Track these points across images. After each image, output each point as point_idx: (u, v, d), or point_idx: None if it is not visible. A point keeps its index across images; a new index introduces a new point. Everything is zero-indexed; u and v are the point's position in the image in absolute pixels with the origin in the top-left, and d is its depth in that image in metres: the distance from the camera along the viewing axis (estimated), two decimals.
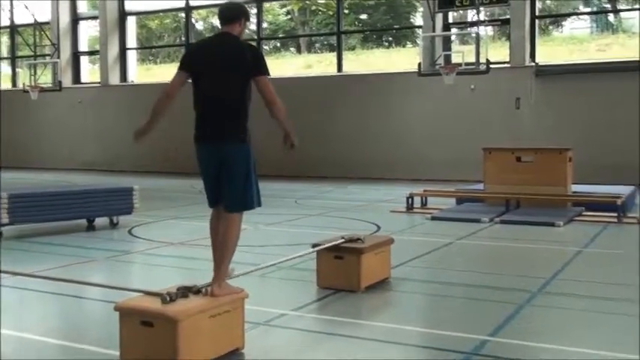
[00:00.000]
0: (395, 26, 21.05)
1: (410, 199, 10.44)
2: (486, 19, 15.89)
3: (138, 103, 20.03)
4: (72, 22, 22.63)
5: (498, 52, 16.78)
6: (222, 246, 4.18)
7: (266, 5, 20.64)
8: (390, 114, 17.28)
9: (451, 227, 8.69)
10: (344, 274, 5.23)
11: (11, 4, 22.87)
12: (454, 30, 17.42)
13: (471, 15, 16.03)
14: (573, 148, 10.48)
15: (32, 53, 21.71)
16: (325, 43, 21.79)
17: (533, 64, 15.95)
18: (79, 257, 6.80)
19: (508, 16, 16.48)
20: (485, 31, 15.99)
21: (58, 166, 21.49)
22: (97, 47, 22.17)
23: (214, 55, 4.26)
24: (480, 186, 10.91)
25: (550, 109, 15.57)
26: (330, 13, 20.56)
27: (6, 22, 23.39)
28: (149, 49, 24.53)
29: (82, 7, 23.10)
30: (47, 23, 22.10)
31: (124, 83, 21.69)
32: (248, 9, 4.59)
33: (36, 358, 3.92)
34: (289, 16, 22.30)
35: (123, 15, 21.72)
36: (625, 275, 5.86)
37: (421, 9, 18.05)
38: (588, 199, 9.91)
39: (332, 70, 18.93)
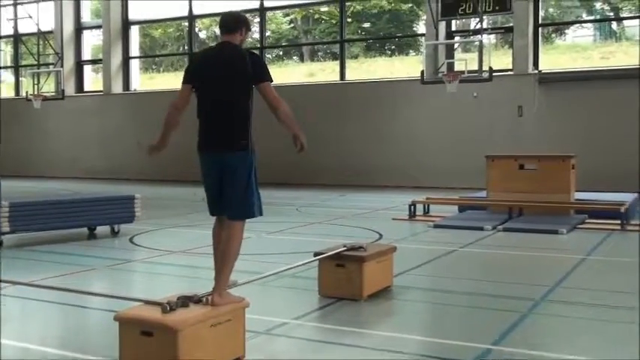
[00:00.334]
0: (398, 35, 21.06)
1: (412, 207, 10.40)
2: (489, 27, 15.90)
3: (141, 111, 20.14)
4: (75, 32, 22.72)
5: (501, 60, 16.77)
6: (224, 254, 4.16)
7: (269, 14, 20.70)
8: (392, 122, 17.26)
9: (454, 235, 8.65)
10: (346, 282, 5.19)
11: (15, 14, 22.98)
12: (457, 38, 17.42)
13: (474, 23, 16.03)
14: (576, 156, 10.44)
15: (35, 62, 21.79)
16: (328, 51, 21.80)
17: (536, 71, 15.94)
18: (79, 266, 6.78)
19: (511, 24, 16.49)
20: (489, 39, 15.99)
21: (61, 175, 21.51)
22: (100, 56, 22.23)
23: (215, 65, 4.28)
24: (483, 193, 10.87)
25: (553, 117, 15.54)
26: (333, 21, 20.59)
27: (10, 32, 23.49)
28: (152, 58, 24.59)
29: (86, 17, 23.20)
30: (51, 32, 22.19)
31: (126, 92, 21.74)
32: (249, 19, 4.60)
33: None
34: (292, 25, 22.34)
35: (126, 24, 21.80)
36: (629, 283, 5.81)
37: (424, 17, 18.07)
38: (592, 207, 9.86)
39: (335, 78, 18.94)
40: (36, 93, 20.57)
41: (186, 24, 21.61)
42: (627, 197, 10.41)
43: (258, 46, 19.57)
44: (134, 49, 22.30)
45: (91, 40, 23.57)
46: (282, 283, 5.74)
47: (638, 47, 15.86)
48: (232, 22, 4.41)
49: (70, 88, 22.02)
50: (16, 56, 24.37)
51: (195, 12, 21.03)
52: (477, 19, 15.40)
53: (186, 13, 21.05)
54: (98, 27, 22.42)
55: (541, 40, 16.63)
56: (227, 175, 4.18)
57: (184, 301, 3.76)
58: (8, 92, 24.43)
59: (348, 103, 17.83)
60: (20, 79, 24.37)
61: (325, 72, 20.50)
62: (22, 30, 23.14)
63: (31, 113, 21.26)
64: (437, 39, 16.40)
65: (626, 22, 18.44)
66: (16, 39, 23.73)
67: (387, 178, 17.03)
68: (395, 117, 17.24)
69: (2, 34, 23.81)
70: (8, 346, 4.13)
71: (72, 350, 4.10)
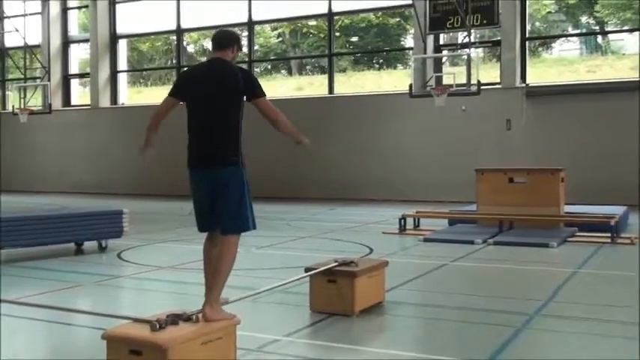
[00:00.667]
0: (386, 48, 21.15)
1: (402, 221, 10.36)
2: (477, 40, 15.99)
3: (128, 125, 20.02)
4: (62, 45, 22.63)
5: (489, 74, 16.86)
6: (217, 269, 4.13)
7: (257, 28, 20.73)
8: (381, 135, 17.28)
9: (444, 249, 8.62)
10: (337, 298, 5.13)
11: (2, 27, 22.85)
12: (445, 52, 17.50)
13: (462, 37, 16.12)
14: (566, 169, 10.47)
15: (22, 76, 21.66)
16: (316, 65, 21.84)
17: (523, 85, 16.02)
18: (66, 282, 6.67)
19: (499, 38, 16.59)
20: (477, 52, 16.08)
21: (48, 189, 21.33)
22: (88, 70, 22.13)
23: (206, 81, 4.30)
24: (473, 207, 10.86)
25: (541, 130, 15.60)
26: (321, 35, 20.64)
27: None
28: (140, 72, 24.52)
29: (73, 30, 23.12)
30: (38, 46, 22.08)
31: (114, 106, 21.64)
32: (240, 38, 4.63)
33: None
34: (280, 39, 22.37)
35: (114, 38, 21.73)
36: (621, 296, 5.80)
37: (412, 31, 18.15)
38: (582, 220, 9.87)
39: (323, 92, 18.95)
40: (22, 107, 20.42)
41: (175, 38, 21.58)
42: (617, 210, 10.44)
43: (247, 59, 19.56)
44: (122, 63, 22.23)
45: (79, 54, 23.47)
46: (272, 299, 5.67)
47: (623, 61, 16.01)
48: (225, 39, 4.46)
49: (57, 102, 21.89)
50: (2, 70, 24.21)
51: (184, 26, 21.01)
52: (465, 33, 15.49)
53: (174, 27, 21.02)
54: (86, 41, 22.34)
55: (528, 53, 16.75)
56: (219, 190, 4.18)
57: (174, 318, 3.70)
58: None
59: (337, 117, 17.84)
60: (6, 92, 24.21)
61: (314, 86, 20.52)
62: (8, 44, 23.01)
63: (17, 127, 21.10)
64: (425, 53, 16.46)
65: (611, 36, 18.63)
66: (3, 52, 23.58)
67: (376, 192, 17.02)
68: (384, 130, 17.26)
69: None
70: None
71: None
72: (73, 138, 21.67)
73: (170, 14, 20.86)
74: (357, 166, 17.44)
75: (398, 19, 20.37)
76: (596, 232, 9.36)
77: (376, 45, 21.06)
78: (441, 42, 17.48)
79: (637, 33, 15.90)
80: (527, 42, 16.60)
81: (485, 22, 15.28)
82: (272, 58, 22.44)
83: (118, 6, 21.71)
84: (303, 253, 8.50)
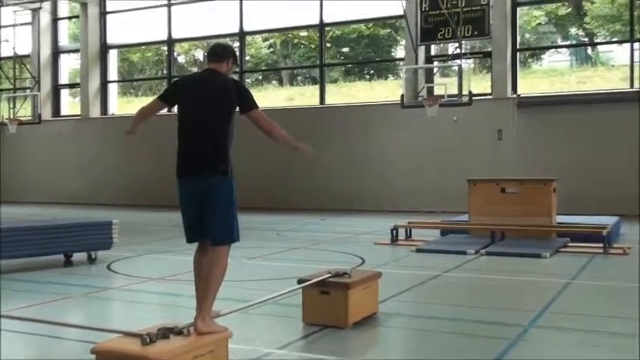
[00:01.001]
0: (377, 59, 21.19)
1: (394, 231, 10.32)
2: (468, 52, 16.03)
3: (118, 135, 19.87)
4: (53, 55, 22.55)
5: (480, 84, 16.91)
6: (207, 280, 4.11)
7: (248, 38, 20.72)
8: (373, 146, 17.27)
9: (437, 259, 8.57)
10: (330, 309, 5.06)
11: None
12: (436, 62, 17.54)
13: (453, 48, 16.17)
14: (557, 179, 10.47)
15: (12, 86, 21.52)
16: (307, 76, 21.85)
17: (515, 95, 16.07)
18: (55, 294, 6.57)
19: (489, 49, 16.65)
20: (468, 63, 16.12)
21: (38, 200, 21.16)
22: (78, 80, 22.04)
23: (198, 90, 4.32)
24: (465, 217, 10.84)
25: (532, 141, 15.64)
26: (312, 46, 20.66)
27: None
28: (130, 82, 24.45)
29: (63, 40, 23.03)
30: (27, 56, 21.98)
31: (104, 116, 21.53)
32: (236, 52, 4.66)
33: None
34: (271, 50, 22.37)
35: (104, 48, 21.67)
36: (615, 307, 5.77)
37: (402, 42, 18.21)
38: (574, 230, 9.86)
39: (314, 103, 18.94)
40: (12, 117, 20.29)
41: (165, 48, 21.55)
42: (608, 220, 10.44)
43: (238, 70, 19.52)
44: (112, 73, 22.16)
45: (69, 64, 23.40)
46: (264, 311, 5.60)
47: (613, 72, 16.10)
48: (220, 51, 4.51)
49: (46, 113, 21.76)
50: None
51: (175, 36, 20.98)
52: (456, 44, 15.54)
53: (165, 38, 20.99)
54: (76, 51, 22.27)
55: (519, 64, 16.81)
56: (208, 200, 4.18)
57: (165, 332, 3.63)
58: None
59: (328, 127, 17.82)
60: None
61: (305, 96, 20.51)
62: None
63: (6, 138, 20.94)
64: (416, 63, 16.49)
65: (600, 48, 18.75)
66: None
67: (367, 202, 16.98)
68: (375, 141, 17.25)
69: None
70: None
71: None
72: (63, 148, 21.54)
73: (161, 25, 20.84)
74: (349, 177, 17.41)
75: (389, 30, 20.43)
76: (589, 243, 9.35)
77: (367, 56, 21.10)
78: (432, 53, 17.52)
79: (626, 45, 15.99)
80: (517, 53, 16.67)
81: (476, 33, 15.33)
82: (263, 68, 22.43)
83: (108, 16, 21.67)
84: (294, 264, 8.43)
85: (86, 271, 8.08)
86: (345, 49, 21.40)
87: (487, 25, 15.26)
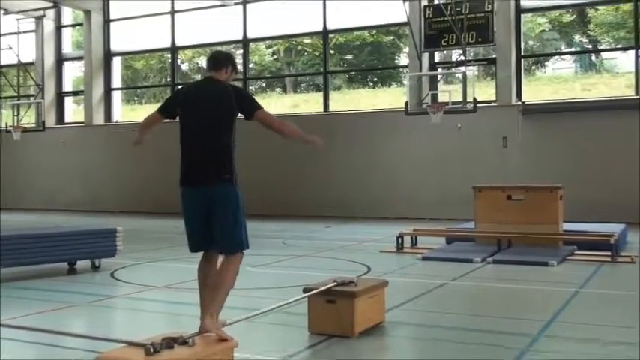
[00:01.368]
0: (381, 66, 21.17)
1: (400, 239, 10.25)
2: (472, 59, 15.99)
3: (122, 143, 19.89)
4: (56, 63, 22.56)
5: (484, 91, 16.86)
6: (217, 283, 4.12)
7: (252, 46, 20.72)
8: (377, 153, 17.21)
9: (443, 267, 8.50)
10: (337, 318, 5.00)
11: None
12: (440, 69, 17.50)
13: (457, 55, 16.13)
14: (564, 186, 10.39)
15: (16, 94, 21.55)
16: (311, 83, 21.84)
17: (519, 102, 16.01)
18: (59, 302, 6.51)
19: (494, 56, 16.61)
20: (472, 70, 16.08)
21: (41, 207, 21.14)
22: (82, 87, 22.05)
23: (199, 99, 4.31)
24: (470, 225, 10.76)
25: (537, 148, 15.57)
26: (316, 53, 20.65)
27: None
28: (134, 90, 24.46)
29: (67, 48, 23.06)
30: (32, 64, 22.00)
31: (108, 123, 21.53)
32: (236, 59, 4.64)
33: None
34: (275, 57, 22.38)
35: (108, 55, 21.69)
36: (625, 317, 5.68)
37: (406, 49, 18.18)
38: (581, 238, 9.77)
39: (318, 110, 18.91)
40: (16, 125, 20.30)
41: (169, 55, 21.56)
42: (615, 228, 10.35)
43: (241, 77, 19.52)
44: (116, 81, 22.17)
45: (73, 72, 23.41)
46: (270, 319, 5.53)
47: (618, 79, 16.04)
48: (219, 59, 4.50)
49: (50, 120, 21.78)
50: None
51: (178, 44, 20.99)
52: (460, 51, 15.49)
53: (168, 45, 20.99)
54: (80, 58, 22.29)
55: (523, 71, 16.76)
56: (215, 210, 4.16)
57: (169, 342, 3.58)
58: None
59: (332, 134, 17.76)
60: (0, 110, 24.07)
61: (309, 103, 20.49)
62: (2, 61, 22.91)
63: (10, 145, 20.95)
64: (420, 70, 16.46)
65: (604, 55, 18.70)
66: None
67: (372, 210, 16.91)
68: (379, 148, 17.19)
69: None
70: None
71: None
72: (67, 155, 21.52)
73: (164, 32, 20.85)
74: (353, 184, 17.35)
75: (392, 38, 20.42)
76: (596, 251, 9.27)
77: (370, 63, 21.08)
78: (436, 60, 17.49)
79: (631, 52, 15.94)
80: (522, 60, 16.61)
81: (480, 40, 15.29)
82: (267, 75, 22.43)
83: (112, 24, 21.69)
84: (299, 272, 8.37)
85: (90, 278, 8.03)
86: (349, 57, 21.39)
87: (491, 32, 15.21)
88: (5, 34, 22.00)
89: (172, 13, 20.71)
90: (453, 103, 14.93)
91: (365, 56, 20.96)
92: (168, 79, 22.04)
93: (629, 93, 15.50)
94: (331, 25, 18.80)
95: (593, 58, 18.96)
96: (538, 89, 17.75)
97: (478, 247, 9.81)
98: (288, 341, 5.02)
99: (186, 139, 4.30)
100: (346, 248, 10.81)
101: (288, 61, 22.35)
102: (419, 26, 15.93)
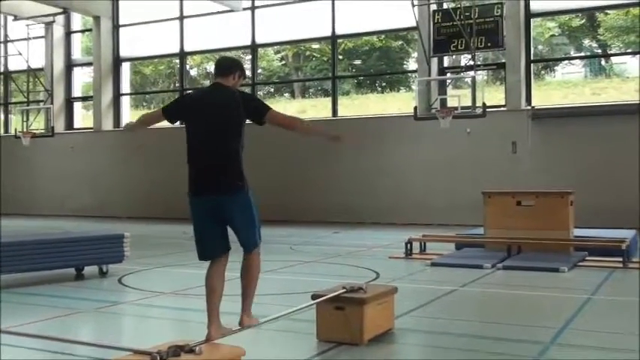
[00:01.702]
0: (389, 71, 21.12)
1: (409, 245, 10.18)
2: (481, 63, 15.92)
3: (131, 148, 19.92)
4: (66, 69, 22.64)
5: (493, 96, 16.76)
6: (249, 282, 4.35)
7: (260, 51, 20.73)
8: (386, 158, 17.14)
9: (453, 274, 8.42)
10: (345, 326, 4.94)
11: (5, 51, 22.91)
12: (449, 74, 17.43)
13: (466, 60, 16.06)
14: (574, 192, 10.29)
15: (25, 99, 21.64)
16: (319, 88, 21.81)
17: (529, 107, 15.91)
18: (66, 309, 6.49)
19: (503, 61, 16.53)
20: (481, 75, 16.00)
21: (50, 213, 21.17)
22: (91, 93, 22.11)
23: (206, 106, 4.27)
24: (480, 230, 10.67)
25: (547, 153, 15.46)
26: (324, 58, 20.63)
27: None
28: (143, 95, 24.52)
29: (76, 54, 23.14)
30: (41, 69, 22.10)
31: (117, 129, 21.57)
32: (244, 67, 4.60)
33: None
34: (283, 62, 22.37)
35: (117, 61, 21.74)
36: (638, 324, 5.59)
37: (415, 54, 18.12)
38: (592, 244, 9.67)
39: (327, 115, 18.87)
40: (25, 130, 20.38)
41: (177, 61, 21.59)
42: (627, 234, 10.24)
43: (250, 82, 19.52)
44: (125, 86, 22.21)
45: (82, 77, 23.49)
46: (277, 326, 5.48)
47: (629, 83, 15.92)
48: (228, 64, 4.49)
49: (59, 125, 21.85)
50: (5, 93, 24.21)
51: (187, 49, 21.02)
52: (469, 56, 15.42)
53: (177, 50, 21.03)
54: (89, 64, 22.36)
55: (533, 76, 16.67)
56: (231, 216, 4.23)
57: (176, 350, 3.53)
58: None
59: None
60: (9, 116, 24.19)
61: (317, 108, 20.46)
62: (12, 67, 23.06)
63: (19, 151, 21.02)
64: (429, 75, 16.39)
65: (614, 59, 18.58)
66: (6, 76, 23.60)
67: (380, 215, 16.83)
68: (388, 153, 17.13)
69: None
70: None
71: None
72: (76, 161, 21.57)
73: (173, 38, 20.89)
74: (361, 189, 17.28)
75: (401, 42, 20.37)
76: (607, 257, 9.16)
77: (379, 68, 21.04)
78: (445, 64, 17.42)
79: (639, 56, 15.84)
80: (532, 64, 16.52)
81: (489, 44, 15.21)
82: (275, 81, 22.43)
83: (121, 29, 21.75)
84: (307, 278, 8.32)
85: (97, 284, 8.01)
86: (357, 62, 21.36)
87: (501, 37, 15.13)
88: (15, 40, 22.12)
89: (181, 18, 20.75)
90: (462, 108, 14.84)
91: (373, 61, 20.92)
92: (177, 85, 22.06)
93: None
94: (340, 30, 18.78)
95: (602, 62, 18.83)
96: (548, 94, 17.64)
97: (488, 253, 9.72)
98: (297, 349, 4.98)
99: (193, 146, 4.26)
100: (354, 254, 10.74)
101: (297, 67, 22.34)
102: (428, 31, 15.88)
